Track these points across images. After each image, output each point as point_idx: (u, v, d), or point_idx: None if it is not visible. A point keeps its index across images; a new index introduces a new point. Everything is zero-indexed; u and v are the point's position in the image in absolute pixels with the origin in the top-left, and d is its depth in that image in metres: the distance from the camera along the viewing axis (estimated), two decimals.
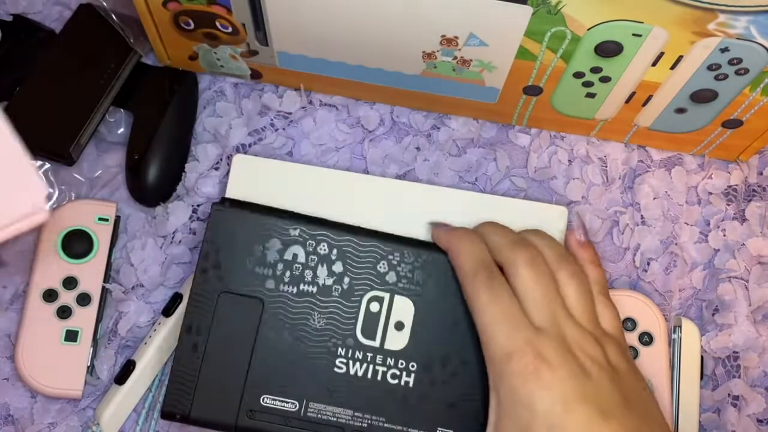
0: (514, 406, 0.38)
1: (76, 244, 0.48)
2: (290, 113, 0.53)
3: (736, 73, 0.43)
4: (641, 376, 0.41)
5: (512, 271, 0.41)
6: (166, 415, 0.43)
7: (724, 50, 0.41)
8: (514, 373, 0.38)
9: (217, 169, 0.52)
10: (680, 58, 0.42)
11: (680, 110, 0.48)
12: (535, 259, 0.41)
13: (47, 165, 0.51)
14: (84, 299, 0.48)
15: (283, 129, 0.53)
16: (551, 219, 0.49)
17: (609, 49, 0.43)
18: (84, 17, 0.52)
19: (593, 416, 0.37)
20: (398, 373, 0.44)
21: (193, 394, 0.42)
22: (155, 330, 0.48)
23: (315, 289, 0.44)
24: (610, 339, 0.41)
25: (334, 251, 0.44)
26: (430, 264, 0.44)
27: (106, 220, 0.49)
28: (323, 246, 0.44)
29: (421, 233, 0.47)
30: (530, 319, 0.40)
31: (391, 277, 0.44)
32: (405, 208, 0.48)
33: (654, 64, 0.43)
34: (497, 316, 0.40)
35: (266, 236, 0.44)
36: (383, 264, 0.44)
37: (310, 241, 0.44)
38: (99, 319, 0.48)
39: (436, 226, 0.46)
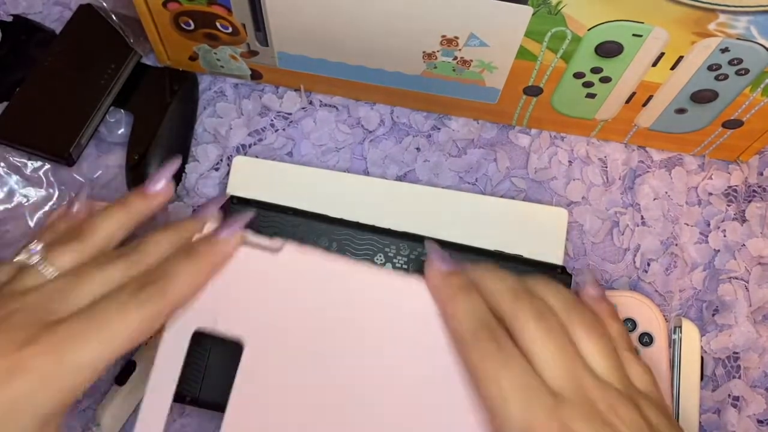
0: None
1: None
2: (290, 114, 0.53)
3: (737, 73, 0.43)
4: None
5: (517, 326, 0.35)
6: (177, 397, 0.43)
7: (725, 50, 0.41)
8: None
9: (217, 169, 0.52)
10: (681, 58, 0.42)
11: (680, 110, 0.48)
12: (542, 312, 0.35)
13: (47, 165, 0.51)
14: None
15: (284, 129, 0.53)
16: (551, 220, 0.49)
17: (609, 50, 0.43)
18: (84, 18, 0.52)
19: None
20: None
21: (202, 378, 0.43)
22: None
23: None
24: (646, 397, 0.35)
25: (334, 244, 0.46)
26: (425, 256, 0.45)
27: None
28: (324, 239, 0.46)
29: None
30: (547, 383, 0.34)
31: (388, 269, 0.45)
32: (405, 210, 0.48)
33: (654, 64, 0.43)
34: (508, 385, 0.33)
35: (271, 231, 0.45)
36: (380, 256, 0.46)
37: (311, 235, 0.46)
38: None
39: (430, 263, 0.39)
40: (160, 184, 0.40)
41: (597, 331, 0.36)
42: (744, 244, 0.51)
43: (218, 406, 0.43)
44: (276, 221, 0.46)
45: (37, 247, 0.35)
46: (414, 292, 0.39)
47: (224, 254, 0.38)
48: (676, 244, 0.51)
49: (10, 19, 0.53)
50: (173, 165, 0.40)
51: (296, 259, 0.39)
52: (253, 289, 0.39)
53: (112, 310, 0.33)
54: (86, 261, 0.36)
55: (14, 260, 0.35)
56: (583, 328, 0.36)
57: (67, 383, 0.31)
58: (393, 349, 0.39)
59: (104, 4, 0.52)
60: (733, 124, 0.48)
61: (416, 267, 0.45)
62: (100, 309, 0.33)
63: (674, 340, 0.49)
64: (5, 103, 0.50)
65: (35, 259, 0.35)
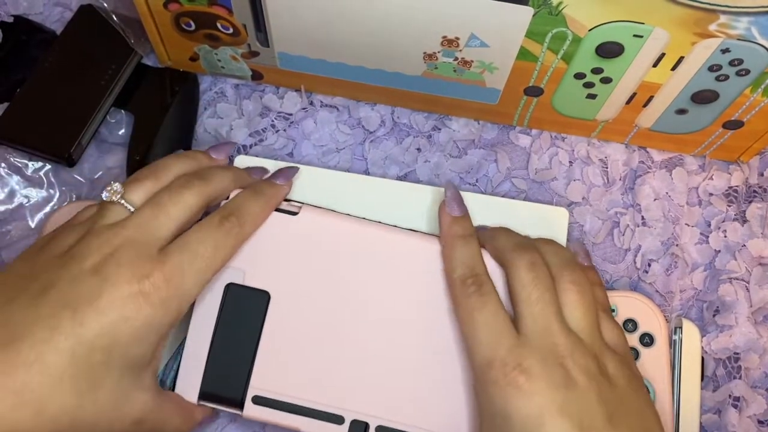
0: (492, 415, 0.37)
1: None
2: (291, 114, 0.53)
3: (737, 74, 0.43)
4: (644, 393, 0.39)
5: (511, 272, 0.40)
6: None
7: (725, 51, 0.41)
8: (492, 382, 0.37)
9: None
10: (681, 59, 0.42)
11: (681, 111, 0.48)
12: (536, 263, 0.40)
13: (48, 166, 0.51)
14: None
15: (284, 130, 0.53)
16: (552, 220, 0.49)
17: (610, 50, 0.43)
18: (85, 18, 0.52)
19: (570, 430, 0.35)
20: None
21: (203, 374, 0.43)
22: None
23: None
24: (611, 351, 0.39)
25: None
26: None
27: None
28: None
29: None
30: (520, 325, 0.38)
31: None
32: (406, 209, 0.48)
33: (655, 65, 0.43)
34: (481, 324, 0.39)
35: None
36: None
37: None
38: None
39: (442, 206, 0.44)
40: (221, 156, 0.46)
41: (582, 288, 0.40)
42: (744, 245, 0.51)
43: (220, 398, 0.43)
44: None
45: (118, 185, 0.40)
46: (420, 248, 0.44)
47: (282, 197, 0.44)
48: (677, 245, 0.51)
49: (10, 19, 0.53)
50: (232, 145, 0.48)
51: (313, 220, 0.44)
52: (275, 247, 0.43)
53: (207, 242, 0.39)
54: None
55: (103, 197, 0.40)
56: (569, 283, 0.40)
57: (178, 306, 0.38)
58: (399, 296, 0.43)
59: (105, 4, 0.52)
60: (733, 124, 0.48)
61: None
62: (195, 241, 0.39)
63: (675, 340, 0.49)
64: (6, 104, 0.50)
65: (117, 196, 0.40)
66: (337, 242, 0.44)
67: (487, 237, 0.43)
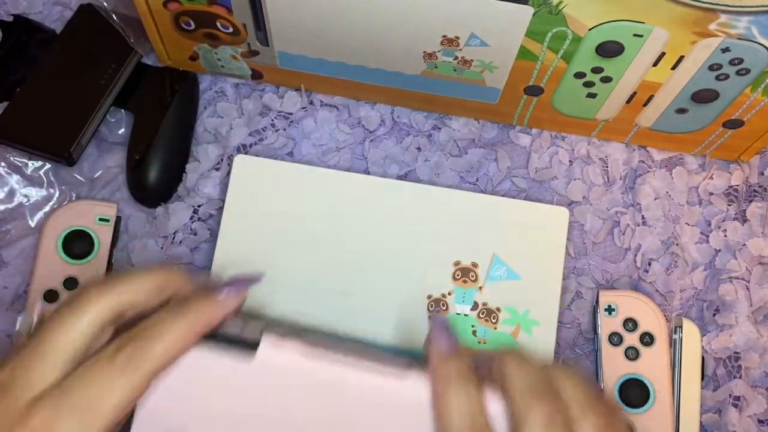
0: None
1: (77, 244, 0.48)
2: (291, 113, 0.53)
3: (737, 73, 0.43)
4: None
5: (525, 429, 0.32)
6: None
7: (725, 50, 0.41)
8: None
9: (217, 169, 0.52)
10: (681, 58, 0.42)
11: (681, 110, 0.48)
12: (552, 420, 0.32)
13: (48, 165, 0.51)
14: None
15: (284, 129, 0.53)
16: (552, 220, 0.49)
17: (610, 50, 0.43)
18: (85, 17, 0.52)
19: None
20: None
21: None
22: None
23: None
24: None
25: None
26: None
27: (107, 220, 0.49)
28: None
29: (422, 234, 0.47)
30: None
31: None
32: (406, 208, 0.48)
33: (655, 64, 0.43)
34: None
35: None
36: None
37: None
38: None
39: (430, 341, 0.34)
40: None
41: None
42: (745, 244, 0.51)
43: None
44: None
45: (39, 305, 0.32)
46: (411, 395, 0.33)
47: (221, 315, 0.33)
48: (677, 244, 0.51)
49: (10, 19, 0.53)
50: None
51: (273, 363, 0.33)
52: (227, 397, 0.33)
53: (92, 382, 0.30)
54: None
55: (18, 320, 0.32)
56: (592, 429, 0.32)
57: None
58: None
59: (105, 4, 0.52)
60: (733, 123, 0.48)
61: None
62: (78, 382, 0.30)
63: (675, 340, 0.49)
64: (6, 103, 0.50)
65: (35, 320, 0.32)
66: (305, 388, 0.33)
67: (495, 370, 0.34)
